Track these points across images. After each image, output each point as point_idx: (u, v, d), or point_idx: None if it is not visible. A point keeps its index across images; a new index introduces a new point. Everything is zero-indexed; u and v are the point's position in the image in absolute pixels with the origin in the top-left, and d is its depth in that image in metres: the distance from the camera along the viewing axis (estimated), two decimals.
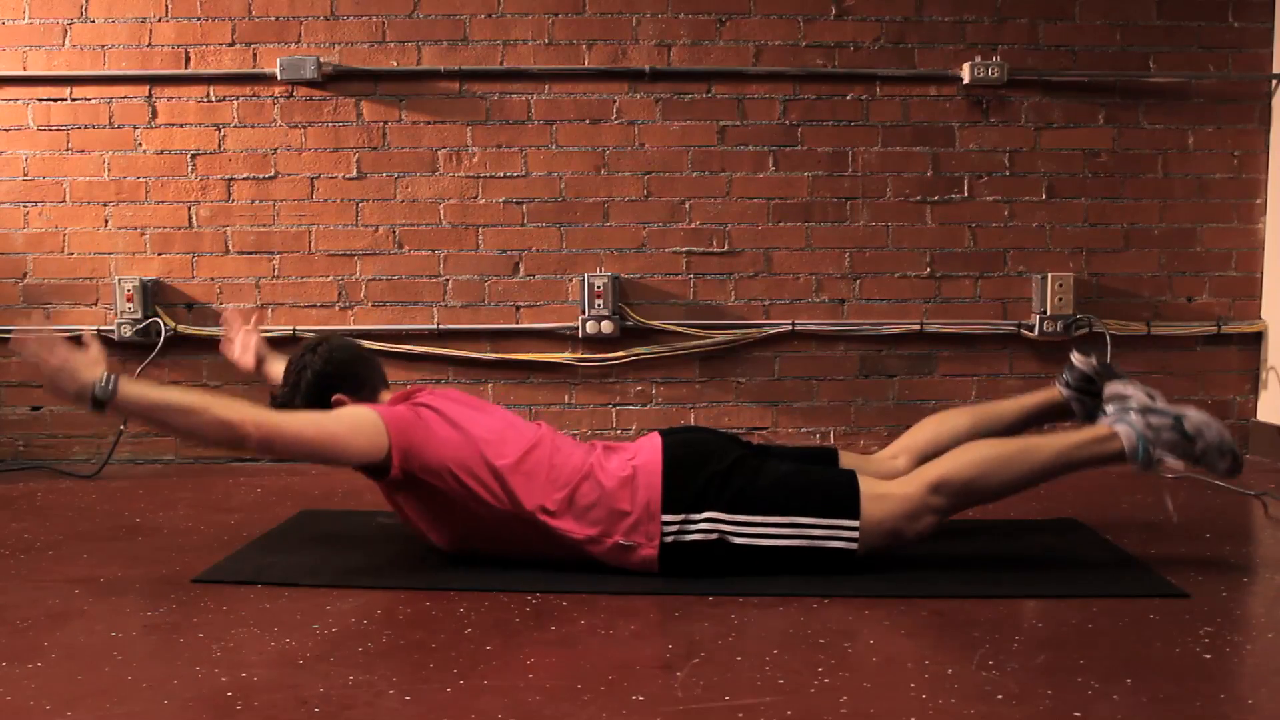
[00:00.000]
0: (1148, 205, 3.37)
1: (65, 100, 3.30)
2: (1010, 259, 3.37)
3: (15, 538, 2.35)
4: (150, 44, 3.28)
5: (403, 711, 1.40)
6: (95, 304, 3.34)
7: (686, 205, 3.34)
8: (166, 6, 3.28)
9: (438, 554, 2.10)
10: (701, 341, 3.34)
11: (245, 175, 3.32)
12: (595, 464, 2.02)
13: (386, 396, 2.17)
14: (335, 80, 3.29)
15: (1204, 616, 1.77)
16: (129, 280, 3.28)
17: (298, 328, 3.32)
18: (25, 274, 3.34)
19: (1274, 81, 3.35)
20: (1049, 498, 2.61)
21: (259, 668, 1.55)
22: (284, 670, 1.54)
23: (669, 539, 1.96)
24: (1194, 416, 1.97)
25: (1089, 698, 1.43)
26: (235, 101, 3.31)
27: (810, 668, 1.54)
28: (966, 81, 3.29)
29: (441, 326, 3.34)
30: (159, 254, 3.33)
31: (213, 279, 3.34)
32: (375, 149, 3.31)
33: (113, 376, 1.82)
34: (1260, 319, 3.39)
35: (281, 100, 3.30)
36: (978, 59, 3.27)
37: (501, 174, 3.32)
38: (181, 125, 3.31)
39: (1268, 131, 3.36)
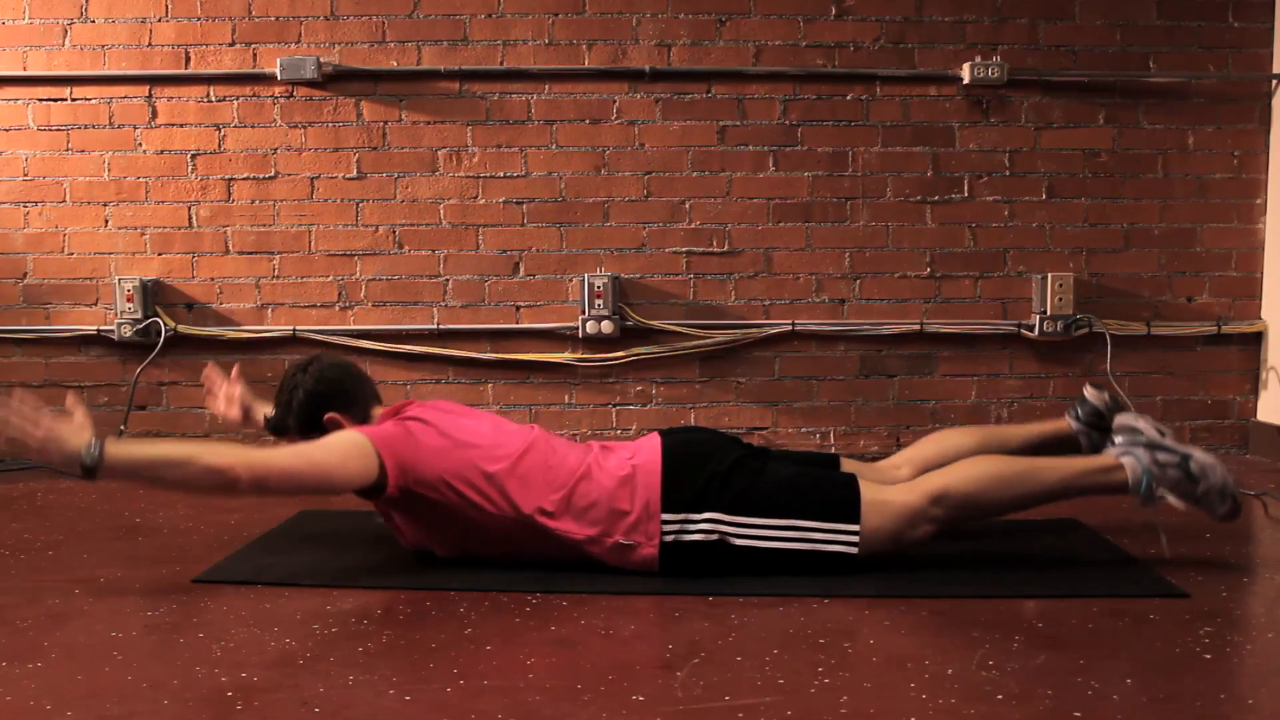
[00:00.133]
0: (1148, 205, 3.37)
1: (65, 100, 3.30)
2: (1010, 259, 3.37)
3: (15, 538, 2.35)
4: (150, 44, 3.29)
5: (403, 711, 1.40)
6: (95, 304, 3.34)
7: (686, 205, 3.34)
8: (166, 6, 3.28)
9: (437, 556, 2.10)
10: (701, 341, 3.34)
11: (245, 175, 3.32)
12: (593, 464, 2.02)
13: (379, 411, 2.17)
14: (335, 80, 3.29)
15: (1204, 616, 1.77)
16: (129, 280, 3.28)
17: (298, 328, 3.32)
18: (25, 274, 3.34)
19: (1274, 81, 3.35)
20: None
21: (259, 668, 1.55)
22: (284, 670, 1.54)
23: (669, 538, 1.96)
24: (1200, 458, 1.98)
25: (1089, 698, 1.43)
26: (235, 101, 3.31)
27: (810, 668, 1.54)
28: (966, 81, 3.29)
29: (441, 326, 3.34)
30: (159, 254, 3.33)
31: (213, 279, 3.34)
32: (375, 149, 3.32)
33: (98, 442, 1.79)
34: (1260, 319, 3.39)
35: (281, 100, 3.30)
36: (978, 59, 3.27)
37: (501, 174, 3.32)
38: (181, 125, 3.31)
39: (1268, 131, 3.36)
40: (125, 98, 3.30)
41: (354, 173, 3.32)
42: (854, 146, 3.33)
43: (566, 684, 1.48)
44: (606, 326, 3.29)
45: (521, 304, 3.35)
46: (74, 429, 1.81)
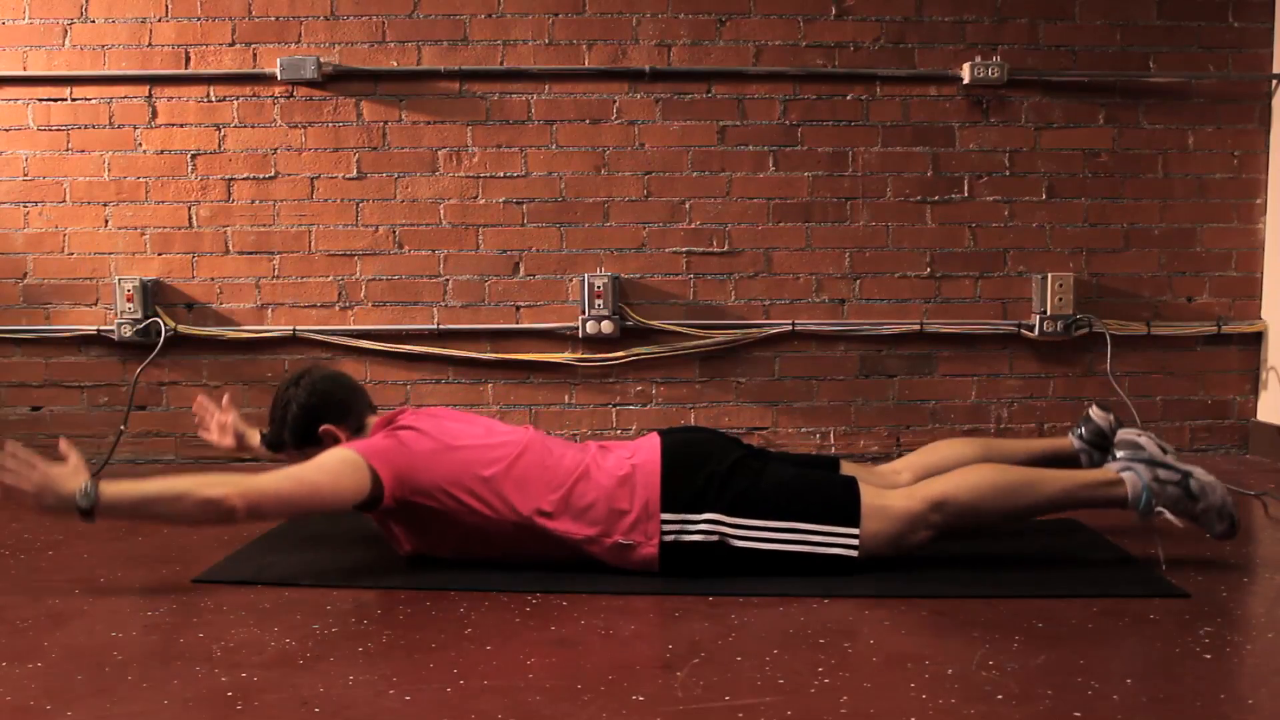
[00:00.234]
0: (1148, 205, 3.37)
1: (65, 100, 3.30)
2: (1010, 259, 3.37)
3: (15, 538, 2.35)
4: (150, 44, 3.29)
5: (403, 711, 1.40)
6: (95, 304, 3.34)
7: (686, 205, 3.34)
8: (166, 6, 3.28)
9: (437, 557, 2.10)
10: (701, 341, 3.34)
11: (245, 175, 3.32)
12: (591, 464, 2.02)
13: (374, 420, 2.17)
14: (335, 80, 3.29)
15: (1204, 616, 1.77)
16: (129, 280, 3.28)
17: (298, 328, 3.32)
18: (25, 274, 3.34)
19: (1274, 81, 3.35)
20: None
21: (259, 668, 1.55)
22: (284, 670, 1.54)
23: (669, 538, 1.96)
24: (1201, 477, 1.99)
25: (1089, 698, 1.43)
26: (235, 101, 3.31)
27: (810, 668, 1.54)
28: (966, 81, 3.29)
29: (441, 326, 3.34)
30: (159, 254, 3.33)
31: (213, 279, 3.34)
32: (375, 149, 3.32)
33: (92, 484, 1.81)
34: (1260, 319, 3.39)
35: (281, 100, 3.30)
36: (978, 59, 3.27)
37: (501, 174, 3.32)
38: (181, 125, 3.31)
39: (1268, 131, 3.36)
40: (125, 98, 3.30)
41: (354, 173, 3.32)
42: (854, 146, 3.33)
43: (566, 684, 1.48)
44: (606, 326, 3.29)
45: (521, 304, 3.35)
46: (68, 473, 1.83)
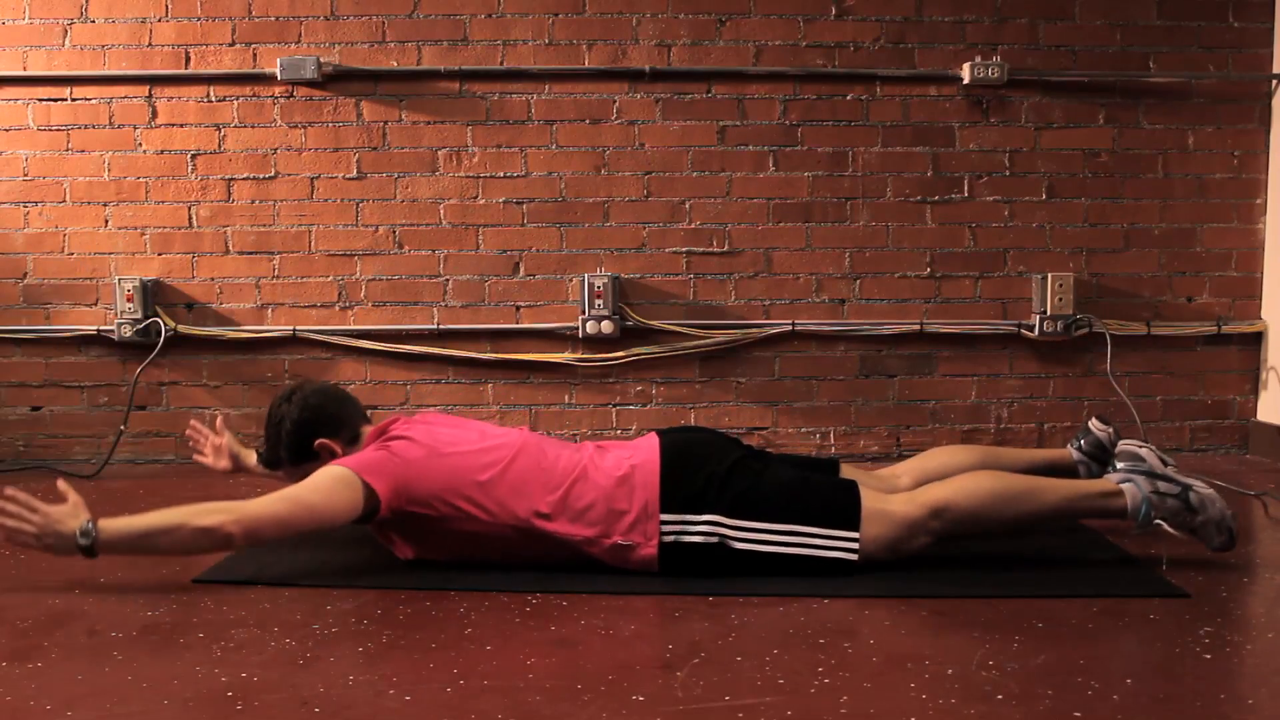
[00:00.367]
0: (1148, 205, 3.37)
1: (65, 100, 3.30)
2: (1010, 259, 3.37)
3: None
4: (150, 44, 3.29)
5: (403, 711, 1.40)
6: (95, 304, 3.34)
7: (686, 205, 3.34)
8: (166, 6, 3.28)
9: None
10: (701, 341, 3.34)
11: (245, 175, 3.32)
12: (589, 464, 2.02)
13: (368, 430, 2.17)
14: (335, 80, 3.29)
15: (1204, 616, 1.77)
16: (129, 280, 3.28)
17: (298, 328, 3.32)
18: (25, 274, 3.34)
19: (1274, 81, 3.35)
20: None
21: (259, 668, 1.55)
22: (284, 670, 1.54)
23: (668, 539, 1.96)
24: (1201, 490, 2.00)
25: (1089, 698, 1.43)
26: (235, 101, 3.31)
27: (810, 668, 1.54)
28: (966, 81, 3.29)
29: (441, 326, 3.34)
30: (159, 254, 3.33)
31: (213, 279, 3.34)
32: (375, 149, 3.31)
33: (91, 523, 1.84)
34: (1260, 319, 3.39)
35: (281, 100, 3.30)
36: (978, 59, 3.27)
37: (501, 174, 3.32)
38: (181, 125, 3.31)
39: (1268, 131, 3.36)
40: (125, 98, 3.30)
41: (354, 173, 3.32)
42: (854, 146, 3.33)
43: (566, 684, 1.48)
44: (606, 326, 3.29)
45: (521, 304, 3.35)
46: (68, 513, 1.86)
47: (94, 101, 3.30)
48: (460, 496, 1.97)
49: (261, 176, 3.32)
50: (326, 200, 3.32)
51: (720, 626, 1.73)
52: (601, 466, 2.02)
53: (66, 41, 3.28)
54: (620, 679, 1.50)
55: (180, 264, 3.33)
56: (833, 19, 3.30)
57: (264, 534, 1.90)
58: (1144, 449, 2.09)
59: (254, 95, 3.31)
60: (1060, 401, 3.39)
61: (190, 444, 2.68)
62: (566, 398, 3.36)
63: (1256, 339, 3.40)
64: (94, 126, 3.31)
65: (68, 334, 3.33)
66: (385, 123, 3.31)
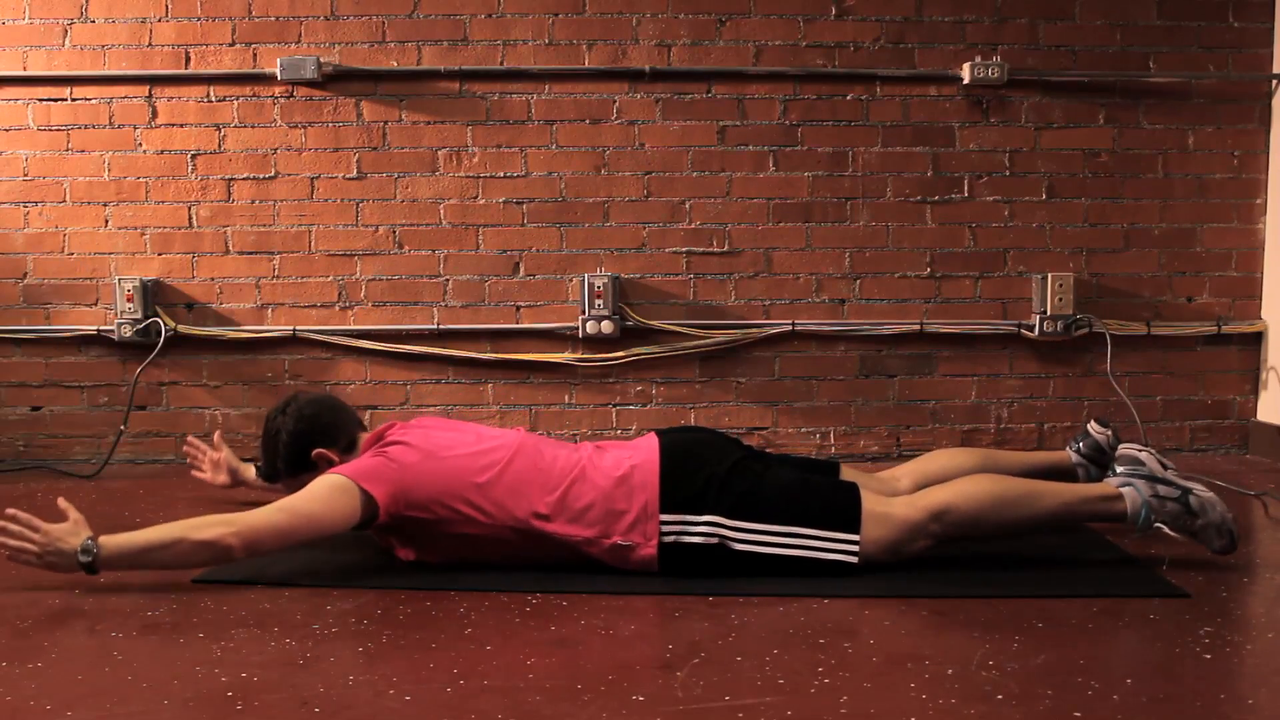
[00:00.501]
0: (1148, 205, 3.37)
1: (65, 100, 3.30)
2: (1010, 259, 3.37)
3: None
4: (150, 44, 3.29)
5: (403, 711, 1.40)
6: (95, 304, 3.34)
7: (686, 205, 3.34)
8: (166, 6, 3.28)
9: None
10: (701, 341, 3.34)
11: (245, 175, 3.32)
12: (587, 464, 2.02)
13: (364, 437, 2.18)
14: (335, 80, 3.29)
15: (1204, 616, 1.77)
16: (129, 280, 3.28)
17: (298, 328, 3.32)
18: (25, 274, 3.34)
19: (1274, 81, 3.35)
20: None
21: (259, 668, 1.55)
22: (284, 670, 1.54)
23: (668, 539, 1.96)
24: (1201, 494, 2.00)
25: (1089, 698, 1.43)
26: (235, 101, 3.31)
27: (810, 668, 1.54)
28: (966, 81, 3.29)
29: (441, 326, 3.34)
30: (159, 254, 3.33)
31: (213, 279, 3.34)
32: (375, 149, 3.31)
33: (92, 539, 1.85)
34: (1260, 319, 3.39)
35: (281, 100, 3.30)
36: (978, 59, 3.27)
37: (501, 174, 3.32)
38: (181, 125, 3.31)
39: (1268, 131, 3.36)
40: (125, 98, 3.30)
41: (354, 173, 3.32)
42: (854, 146, 3.33)
43: (566, 684, 1.48)
44: (606, 326, 3.29)
45: (521, 304, 3.35)
46: (69, 531, 1.87)
47: (94, 101, 3.30)
48: (459, 499, 1.97)
49: (261, 176, 3.32)
50: (326, 200, 3.32)
51: (720, 626, 1.73)
52: (600, 467, 2.02)
53: (66, 41, 3.28)
54: (620, 679, 1.50)
55: (180, 264, 3.33)
56: (833, 19, 3.30)
57: (264, 545, 1.91)
58: (1144, 452, 2.09)
59: (254, 95, 3.31)
60: (1060, 401, 3.39)
61: (188, 460, 2.71)
62: (566, 398, 3.36)
63: (1256, 339, 3.40)
64: (94, 126, 3.31)
65: (68, 334, 3.33)
66: (385, 123, 3.31)
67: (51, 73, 3.29)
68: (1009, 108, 3.34)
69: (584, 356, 3.34)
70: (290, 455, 2.19)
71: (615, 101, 3.32)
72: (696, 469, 2.00)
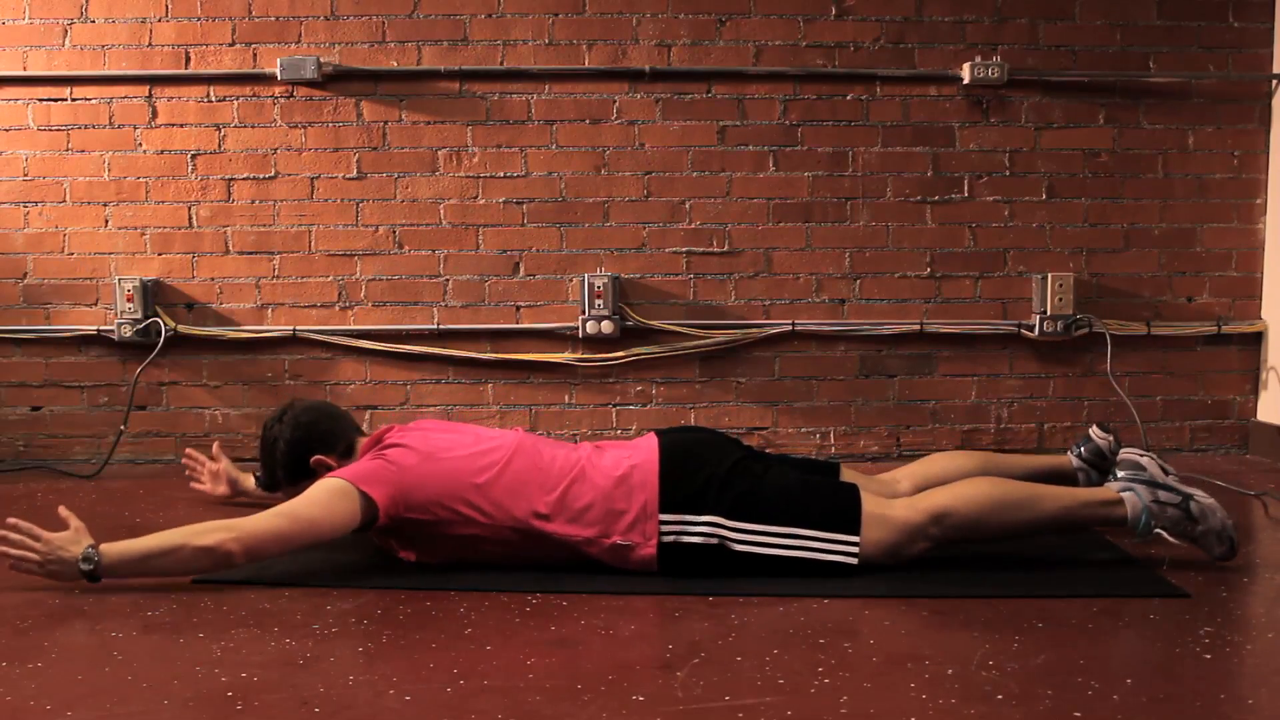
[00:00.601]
0: (1148, 205, 3.37)
1: (65, 100, 3.30)
2: (1010, 259, 3.37)
3: None
4: (150, 44, 3.28)
5: (403, 711, 1.40)
6: (95, 304, 3.34)
7: (686, 205, 3.34)
8: (166, 6, 3.28)
9: None
10: (701, 341, 3.33)
11: (245, 175, 3.32)
12: (586, 464, 2.02)
13: (362, 442, 2.18)
14: (335, 80, 3.29)
15: (1204, 616, 1.77)
16: (129, 280, 3.28)
17: (298, 328, 3.32)
18: (25, 274, 3.34)
19: (1274, 81, 3.35)
20: None
21: (259, 668, 1.55)
22: (284, 670, 1.54)
23: (668, 539, 1.96)
24: (1202, 500, 2.01)
25: (1089, 698, 1.43)
26: (235, 101, 3.31)
27: (810, 668, 1.55)
28: (966, 81, 3.29)
29: (441, 326, 3.34)
30: (159, 254, 3.33)
31: (213, 279, 3.34)
32: (375, 149, 3.31)
33: (94, 547, 1.86)
34: (1260, 319, 3.39)
35: (281, 100, 3.30)
36: (978, 59, 3.27)
37: (501, 174, 3.32)
38: (181, 125, 3.31)
39: (1268, 131, 3.36)
40: (125, 98, 3.30)
41: (354, 173, 3.32)
42: (854, 146, 3.33)
43: (566, 684, 1.48)
44: (606, 326, 3.29)
45: (521, 304, 3.35)
46: (70, 538, 1.87)
47: (94, 101, 3.30)
48: (459, 500, 1.97)
49: (261, 176, 3.32)
50: (326, 200, 3.32)
51: (720, 626, 1.73)
52: (600, 466, 2.02)
53: (66, 41, 3.28)
54: (620, 679, 1.50)
55: (180, 264, 3.33)
56: (833, 19, 3.30)
57: (265, 550, 1.91)
58: (1145, 458, 2.09)
59: (254, 95, 3.31)
60: (1060, 401, 3.39)
61: (187, 472, 2.71)
62: (566, 398, 3.36)
63: (1256, 339, 3.40)
64: (94, 126, 3.31)
65: (68, 334, 3.33)
66: (385, 123, 3.31)
67: (51, 73, 3.29)
68: (1009, 108, 3.34)
69: (584, 356, 3.34)
70: (289, 463, 2.20)
71: (615, 101, 3.32)
72: (696, 469, 2.00)
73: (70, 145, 3.31)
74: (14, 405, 3.36)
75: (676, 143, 3.32)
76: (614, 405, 3.36)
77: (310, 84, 3.29)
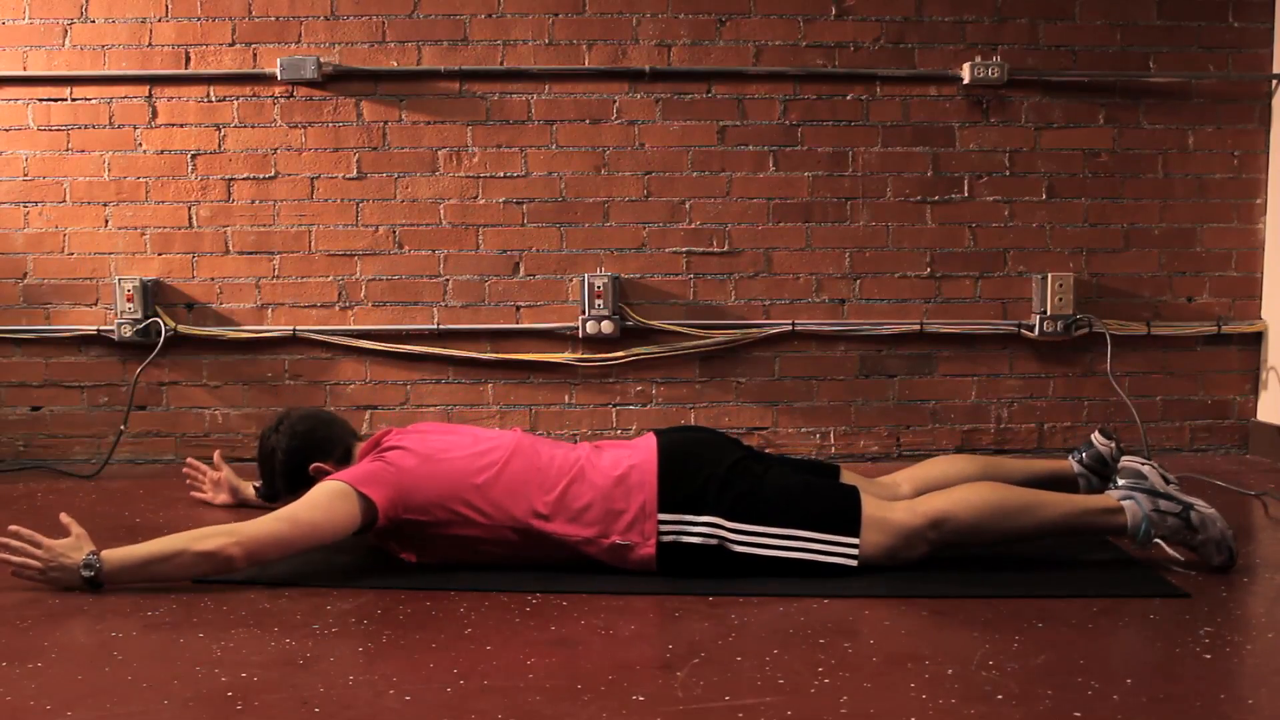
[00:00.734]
0: (1148, 205, 3.37)
1: (65, 100, 3.30)
2: (1010, 259, 3.37)
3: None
4: (150, 44, 3.28)
5: (403, 711, 1.40)
6: (95, 304, 3.34)
7: (686, 205, 3.34)
8: (166, 6, 3.28)
9: None
10: (701, 341, 3.33)
11: (245, 175, 3.32)
12: (585, 464, 2.02)
13: (360, 446, 2.18)
14: (335, 80, 3.29)
15: (1204, 616, 1.77)
16: (129, 280, 3.28)
17: (298, 328, 3.32)
18: (25, 274, 3.34)
19: (1274, 81, 3.35)
20: None
21: (259, 668, 1.55)
22: (284, 670, 1.54)
23: (667, 539, 1.97)
24: (1202, 509, 2.01)
25: (1089, 698, 1.43)
26: (235, 101, 3.31)
27: (810, 668, 1.55)
28: (966, 81, 3.29)
29: (441, 326, 3.34)
30: (159, 254, 3.33)
31: (213, 279, 3.34)
32: (375, 149, 3.31)
33: (95, 554, 1.87)
34: (1260, 319, 3.39)
35: (281, 100, 3.30)
36: (978, 59, 3.27)
37: (501, 174, 3.32)
38: (181, 125, 3.31)
39: (1268, 131, 3.36)
40: (125, 98, 3.30)
41: (354, 173, 3.32)
42: (854, 146, 3.33)
43: (566, 684, 1.48)
44: (606, 326, 3.29)
45: (521, 304, 3.35)
46: (72, 545, 1.89)
47: (94, 101, 3.30)
48: (458, 501, 1.97)
49: (261, 176, 3.32)
50: (326, 200, 3.32)
51: (720, 626, 1.73)
52: (599, 466, 2.02)
53: (66, 41, 3.28)
54: (620, 679, 1.50)
55: (180, 264, 3.33)
56: (833, 19, 3.30)
57: (266, 554, 1.92)
58: (1146, 466, 2.09)
59: (254, 95, 3.31)
60: (1060, 401, 3.39)
61: (188, 481, 2.72)
62: (566, 398, 3.36)
63: (1256, 339, 3.40)
64: (94, 126, 3.31)
65: (68, 334, 3.33)
66: (385, 123, 3.31)
67: (51, 73, 3.29)
68: (1009, 108, 3.34)
69: (584, 356, 3.34)
70: (288, 473, 2.21)
71: (615, 101, 3.32)
72: (695, 469, 2.00)
73: (70, 145, 3.31)
74: (14, 405, 3.36)
75: (676, 143, 3.32)
76: (614, 405, 3.36)
77: (310, 84, 3.29)
